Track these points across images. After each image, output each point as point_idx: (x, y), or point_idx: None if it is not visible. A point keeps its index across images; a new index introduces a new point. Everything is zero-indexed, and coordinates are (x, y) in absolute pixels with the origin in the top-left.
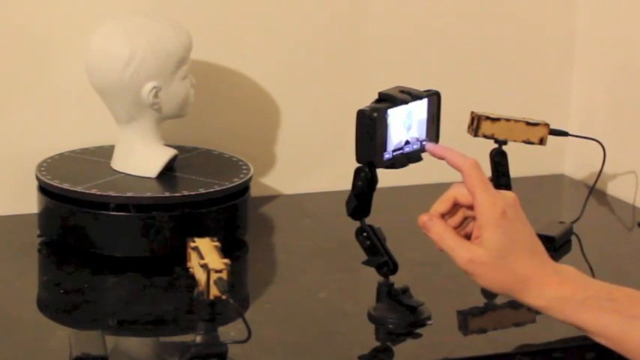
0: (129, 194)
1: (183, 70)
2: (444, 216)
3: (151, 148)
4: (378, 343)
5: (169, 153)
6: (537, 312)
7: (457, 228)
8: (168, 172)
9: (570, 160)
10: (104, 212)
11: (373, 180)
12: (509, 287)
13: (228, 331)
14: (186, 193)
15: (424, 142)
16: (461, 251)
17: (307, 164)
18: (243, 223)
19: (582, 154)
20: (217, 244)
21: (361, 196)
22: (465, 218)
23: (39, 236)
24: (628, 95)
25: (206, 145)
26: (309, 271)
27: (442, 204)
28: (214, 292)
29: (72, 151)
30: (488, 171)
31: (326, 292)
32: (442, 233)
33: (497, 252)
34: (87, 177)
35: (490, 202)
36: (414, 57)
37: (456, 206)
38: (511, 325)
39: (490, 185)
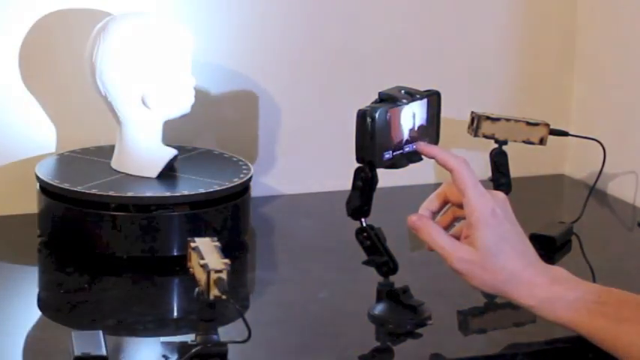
0: (129, 194)
1: (183, 70)
2: (434, 214)
3: (151, 148)
4: (378, 343)
5: (169, 153)
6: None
7: (447, 228)
8: (168, 172)
9: (570, 160)
10: (104, 212)
11: (373, 180)
12: (499, 287)
13: (228, 331)
14: (186, 193)
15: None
16: (451, 250)
17: (307, 164)
18: (243, 223)
19: (582, 154)
20: (217, 244)
21: (361, 196)
22: (455, 218)
23: (39, 236)
24: (628, 95)
25: (206, 145)
26: (309, 271)
27: (433, 202)
28: (214, 292)
29: (72, 151)
30: (488, 171)
31: (326, 292)
32: (432, 233)
33: (487, 251)
34: (87, 177)
35: (480, 201)
36: (414, 57)
37: (446, 205)
38: (511, 325)
39: (480, 184)
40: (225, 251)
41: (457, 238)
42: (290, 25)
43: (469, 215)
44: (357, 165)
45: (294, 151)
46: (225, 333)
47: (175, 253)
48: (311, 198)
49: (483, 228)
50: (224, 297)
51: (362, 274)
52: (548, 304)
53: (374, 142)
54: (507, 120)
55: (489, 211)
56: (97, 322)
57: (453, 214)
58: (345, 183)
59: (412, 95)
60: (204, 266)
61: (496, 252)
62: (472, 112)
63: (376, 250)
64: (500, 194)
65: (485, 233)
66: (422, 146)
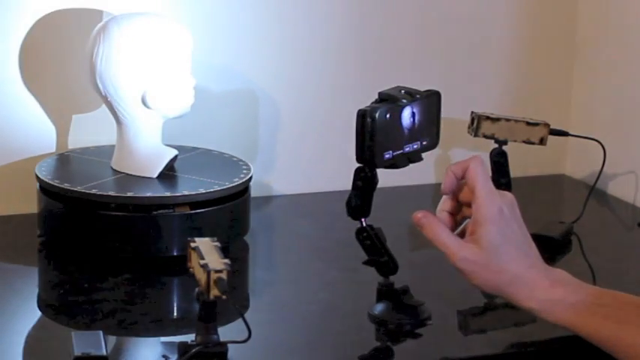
0: (129, 194)
1: (183, 70)
2: (454, 215)
3: (151, 148)
4: (378, 343)
5: (169, 153)
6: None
7: (455, 226)
8: (168, 172)
9: (570, 160)
10: (104, 212)
11: (373, 180)
12: (501, 287)
13: (228, 331)
14: (186, 193)
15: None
16: (454, 249)
17: (307, 164)
18: (243, 223)
19: (582, 154)
20: (217, 244)
21: (361, 196)
22: (463, 217)
23: (39, 236)
24: (628, 95)
25: (206, 145)
26: (309, 271)
27: (446, 202)
28: (214, 292)
29: (72, 151)
30: (488, 171)
31: (326, 292)
32: (436, 230)
33: (491, 250)
34: (87, 177)
35: (488, 199)
36: (414, 57)
37: (459, 204)
38: (511, 325)
39: (491, 183)
40: (225, 251)
41: (463, 236)
42: (290, 25)
43: (476, 212)
44: (357, 165)
45: (294, 151)
46: (225, 333)
47: (175, 253)
48: (311, 198)
49: (489, 226)
50: (224, 297)
51: (362, 274)
52: (549, 306)
53: (374, 142)
54: (507, 120)
55: (497, 209)
56: (97, 322)
57: (462, 213)
58: (345, 183)
59: (412, 95)
60: (204, 266)
61: (500, 252)
62: (472, 112)
63: (376, 250)
64: (509, 195)
65: (491, 231)
66: (444, 188)
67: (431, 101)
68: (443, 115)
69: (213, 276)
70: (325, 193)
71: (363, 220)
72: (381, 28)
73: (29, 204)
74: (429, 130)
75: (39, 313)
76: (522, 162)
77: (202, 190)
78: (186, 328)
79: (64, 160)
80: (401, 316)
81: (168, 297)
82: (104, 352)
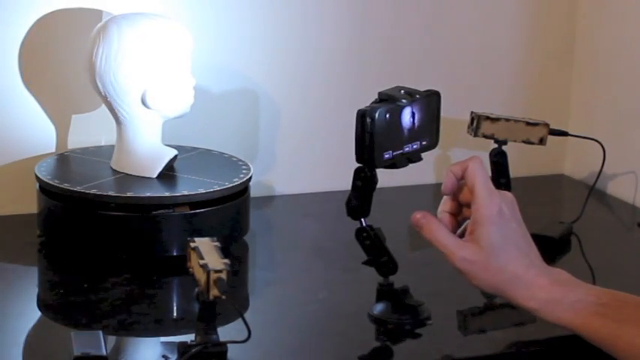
0: (129, 194)
1: (183, 70)
2: (455, 216)
3: (151, 148)
4: (378, 343)
5: (169, 153)
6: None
7: (456, 227)
8: (168, 172)
9: (570, 160)
10: (104, 212)
11: (373, 180)
12: (501, 287)
13: (228, 331)
14: (186, 193)
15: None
16: (453, 249)
17: (307, 164)
18: (243, 223)
19: (582, 154)
20: (217, 244)
21: (361, 196)
22: (464, 218)
23: (39, 236)
24: (628, 95)
25: (206, 145)
26: (309, 271)
27: (446, 203)
28: (214, 292)
29: (72, 151)
30: (488, 171)
31: (326, 292)
32: (435, 231)
33: (491, 249)
34: (87, 177)
35: (488, 199)
36: (414, 57)
37: (460, 205)
38: (511, 325)
39: (490, 183)
40: (225, 251)
41: (464, 237)
42: (290, 25)
43: (475, 211)
44: (357, 165)
45: (294, 151)
46: (225, 333)
47: (175, 253)
48: (311, 198)
49: (489, 225)
50: (224, 297)
51: (362, 274)
52: (548, 306)
53: (374, 142)
54: (507, 120)
55: (496, 209)
56: (97, 322)
57: (462, 214)
58: (345, 183)
59: (412, 95)
60: (203, 266)
61: (500, 251)
62: (472, 112)
63: (376, 250)
64: (509, 194)
65: (491, 231)
66: (444, 189)
67: (431, 101)
68: (443, 115)
69: (213, 276)
70: (325, 193)
71: (362, 220)
72: (382, 28)
73: (29, 204)
74: (429, 130)
75: (39, 313)
76: (522, 162)
77: (202, 190)
78: (186, 328)
79: (63, 160)
80: (401, 316)
81: (168, 297)
82: (104, 352)
